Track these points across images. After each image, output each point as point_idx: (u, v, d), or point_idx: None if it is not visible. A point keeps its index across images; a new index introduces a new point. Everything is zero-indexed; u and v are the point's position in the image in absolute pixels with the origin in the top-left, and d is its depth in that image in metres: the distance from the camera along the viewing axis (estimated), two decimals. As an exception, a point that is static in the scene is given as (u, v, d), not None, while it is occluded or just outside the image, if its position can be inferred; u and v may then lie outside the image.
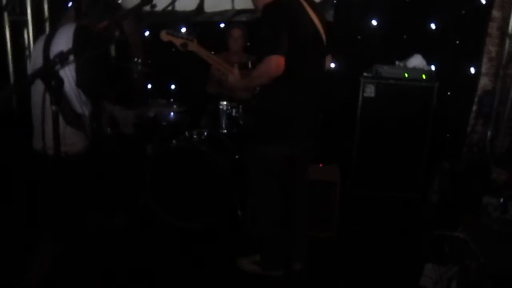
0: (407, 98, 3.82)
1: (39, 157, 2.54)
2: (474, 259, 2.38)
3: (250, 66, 3.51)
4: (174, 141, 3.34)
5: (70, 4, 4.56)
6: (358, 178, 4.01)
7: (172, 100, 3.80)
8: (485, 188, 3.56)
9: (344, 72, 4.26)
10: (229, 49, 3.86)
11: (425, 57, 3.91)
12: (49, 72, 1.45)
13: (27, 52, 4.48)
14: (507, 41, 3.96)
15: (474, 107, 4.24)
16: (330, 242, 3.14)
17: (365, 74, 3.91)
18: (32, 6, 4.28)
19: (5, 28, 4.31)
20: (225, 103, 3.47)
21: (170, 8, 4.38)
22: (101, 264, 2.68)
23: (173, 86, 4.62)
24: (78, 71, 2.41)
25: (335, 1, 4.13)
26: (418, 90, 3.81)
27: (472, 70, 4.12)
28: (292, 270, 2.68)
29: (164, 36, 2.59)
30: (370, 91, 3.85)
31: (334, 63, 4.30)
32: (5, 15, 4.27)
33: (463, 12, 3.97)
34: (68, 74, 2.40)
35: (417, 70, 3.81)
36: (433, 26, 4.08)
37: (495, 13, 4.01)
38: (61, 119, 2.43)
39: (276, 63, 2.22)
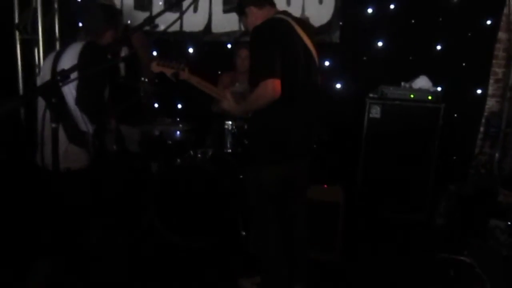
0: (413, 119, 3.80)
1: (41, 171, 2.57)
2: (479, 285, 2.34)
3: (237, 85, 3.55)
4: (178, 160, 3.35)
5: (80, 24, 4.67)
6: (363, 199, 3.97)
7: (177, 119, 3.84)
8: (492, 211, 3.52)
9: (349, 93, 4.27)
10: (236, 68, 3.90)
11: (431, 78, 3.90)
12: (50, 89, 1.46)
13: (37, 70, 4.56)
14: (514, 63, 3.96)
15: (481, 129, 4.22)
16: (333, 264, 3.10)
17: (370, 95, 3.91)
18: (43, 25, 4.36)
19: (16, 46, 4.40)
20: (230, 122, 3.48)
21: (178, 28, 4.49)
22: (100, 281, 2.66)
23: (179, 105, 4.66)
24: (78, 90, 2.42)
25: (341, 23, 4.16)
26: (424, 111, 3.79)
27: (479, 91, 4.11)
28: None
29: (155, 67, 2.60)
30: (375, 112, 3.85)
31: (340, 83, 4.32)
32: (17, 34, 4.36)
33: (469, 34, 3.96)
34: (72, 91, 2.43)
35: (423, 91, 3.80)
36: (439, 47, 4.08)
37: (501, 34, 4.03)
38: (64, 135, 2.48)
39: (272, 87, 2.19)
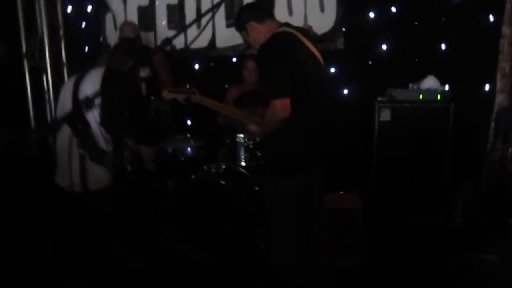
0: (423, 120, 3.80)
1: (64, 193, 2.65)
2: (505, 283, 2.32)
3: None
4: (193, 176, 3.36)
5: (86, 48, 4.75)
6: (378, 203, 3.94)
7: (188, 135, 3.85)
8: (510, 207, 3.49)
9: (357, 98, 4.28)
10: (244, 81, 3.93)
11: (438, 78, 3.90)
12: (75, 117, 1.50)
13: (46, 96, 4.63)
14: (520, 57, 3.95)
15: (492, 125, 4.20)
16: (354, 271, 3.08)
17: (379, 98, 3.91)
18: (50, 52, 4.43)
19: (25, 74, 4.46)
20: (242, 135, 3.50)
21: (183, 45, 4.54)
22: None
23: (188, 122, 4.69)
24: (102, 112, 2.51)
25: (344, 30, 4.18)
26: (434, 111, 3.79)
27: (487, 87, 4.10)
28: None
29: (166, 95, 2.64)
30: (385, 115, 3.85)
31: (347, 89, 4.34)
32: (25, 61, 4.43)
33: (473, 31, 3.97)
34: (94, 112, 2.52)
35: (431, 92, 3.81)
36: (443, 47, 4.09)
37: (505, 29, 4.01)
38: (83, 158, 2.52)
39: (281, 106, 2.22)
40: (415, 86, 3.90)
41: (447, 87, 3.87)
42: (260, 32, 2.43)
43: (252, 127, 2.55)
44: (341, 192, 3.42)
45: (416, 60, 4.17)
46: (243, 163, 3.55)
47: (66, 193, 2.66)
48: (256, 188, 3.51)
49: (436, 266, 3.10)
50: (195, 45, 4.53)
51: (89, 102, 1.48)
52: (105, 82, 2.53)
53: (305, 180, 2.44)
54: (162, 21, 4.50)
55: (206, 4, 4.40)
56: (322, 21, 4.21)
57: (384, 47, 4.20)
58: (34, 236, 3.52)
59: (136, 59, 2.83)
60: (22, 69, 4.41)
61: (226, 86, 4.24)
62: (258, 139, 3.35)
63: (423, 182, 3.87)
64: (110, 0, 4.56)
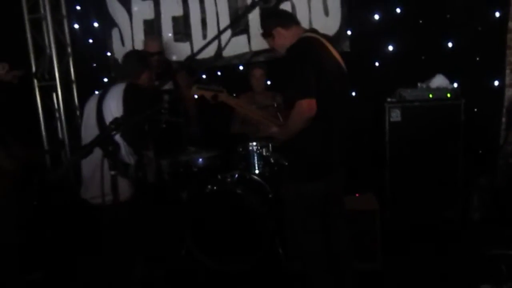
0: (434, 119, 3.79)
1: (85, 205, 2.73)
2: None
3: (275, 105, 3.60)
4: (209, 186, 3.37)
5: (94, 64, 4.80)
6: (394, 203, 3.93)
7: (197, 145, 3.85)
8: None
9: (366, 100, 4.28)
10: (252, 89, 3.95)
11: (446, 75, 3.90)
12: (106, 139, 1.53)
13: (57, 114, 4.67)
14: (528, 51, 3.96)
15: (503, 119, 4.19)
16: (377, 273, 3.08)
17: (389, 99, 3.91)
18: (59, 71, 4.48)
19: (36, 93, 4.51)
20: (254, 143, 3.51)
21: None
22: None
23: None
24: (124, 124, 2.55)
25: (349, 32, 4.20)
26: (445, 109, 3.78)
27: (496, 83, 4.10)
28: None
29: (195, 91, 2.67)
30: (396, 115, 3.84)
31: (355, 91, 4.34)
32: (35, 81, 4.48)
33: (479, 28, 3.98)
34: None
35: (441, 90, 3.80)
36: (450, 44, 4.10)
37: (511, 24, 4.03)
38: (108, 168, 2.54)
39: (308, 106, 2.25)
40: (424, 85, 3.90)
41: (456, 85, 3.87)
42: (286, 37, 2.48)
43: (275, 129, 2.57)
44: (357, 194, 3.41)
45: (423, 58, 4.17)
46: (257, 171, 3.56)
47: (89, 205, 2.71)
48: (270, 195, 3.52)
49: (461, 263, 3.09)
50: (201, 56, 4.54)
51: (118, 124, 1.51)
52: (126, 96, 2.62)
53: (327, 184, 2.46)
54: (168, 33, 4.53)
55: (211, 15, 4.43)
56: (327, 24, 4.22)
57: (390, 47, 4.21)
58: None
59: (147, 67, 2.89)
60: (32, 89, 4.46)
61: (234, 94, 4.26)
62: (276, 143, 3.35)
63: (438, 180, 3.85)
64: (116, 16, 4.60)
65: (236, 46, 4.47)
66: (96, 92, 2.98)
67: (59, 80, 4.49)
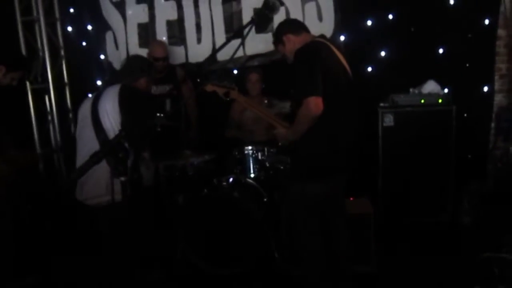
0: (426, 124, 3.87)
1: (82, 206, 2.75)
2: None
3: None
4: (205, 190, 3.39)
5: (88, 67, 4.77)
6: (387, 208, 4.00)
7: (196, 149, 3.87)
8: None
9: (359, 104, 4.32)
10: (248, 93, 3.98)
11: (438, 81, 3.98)
12: (117, 145, 1.54)
13: (49, 117, 4.64)
14: (516, 58, 4.06)
15: (493, 124, 4.29)
16: (371, 276, 3.12)
17: (382, 104, 3.98)
18: (52, 73, 4.45)
19: (28, 96, 4.48)
20: (250, 147, 3.54)
21: (184, 60, 4.58)
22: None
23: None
24: (124, 124, 2.61)
25: (342, 38, 4.25)
26: (437, 115, 3.86)
27: (486, 88, 4.19)
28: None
29: (209, 87, 2.73)
30: (389, 120, 3.91)
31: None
32: (28, 84, 4.44)
33: (469, 35, 4.06)
34: (114, 128, 2.63)
35: (432, 95, 3.88)
36: (441, 51, 4.17)
37: (500, 32, 4.14)
38: (106, 170, 2.53)
39: (314, 104, 2.32)
40: (416, 91, 3.97)
41: (447, 90, 3.95)
42: (295, 44, 2.57)
43: (282, 130, 2.61)
44: (351, 198, 3.45)
45: (415, 64, 4.23)
46: (252, 175, 3.59)
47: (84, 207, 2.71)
48: (265, 199, 3.55)
49: (454, 266, 3.14)
50: (195, 59, 4.57)
51: (128, 131, 1.55)
52: (122, 97, 2.65)
53: (330, 186, 2.51)
54: (162, 37, 4.53)
55: (205, 19, 4.44)
56: (321, 30, 4.22)
57: (383, 53, 4.27)
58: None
59: (147, 75, 2.93)
60: (25, 92, 4.43)
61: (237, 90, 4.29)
62: (284, 143, 3.39)
63: (429, 184, 3.93)
64: (110, 19, 4.58)
65: (231, 50, 4.45)
66: (90, 95, 2.99)
67: (52, 83, 4.46)
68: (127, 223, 2.58)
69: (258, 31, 4.19)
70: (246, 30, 2.37)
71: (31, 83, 4.43)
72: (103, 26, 4.63)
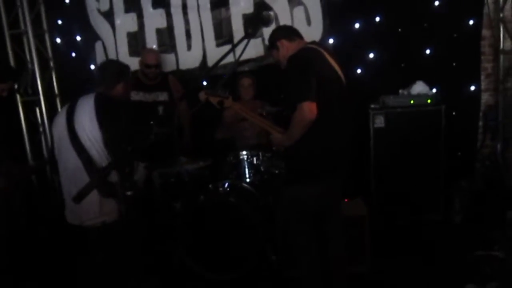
0: (416, 124, 3.95)
1: (74, 230, 2.62)
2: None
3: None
4: (201, 196, 3.40)
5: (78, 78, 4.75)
6: (380, 208, 4.06)
7: (189, 156, 3.88)
8: (506, 201, 3.65)
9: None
10: (240, 98, 4.00)
11: (425, 81, 4.05)
12: (122, 161, 1.54)
13: (41, 129, 4.62)
14: (501, 57, 4.15)
15: (480, 123, 4.37)
16: (366, 277, 3.16)
17: (372, 106, 4.04)
18: (42, 85, 4.44)
19: (19, 109, 4.46)
20: (244, 152, 3.57)
21: (174, 67, 4.59)
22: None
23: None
24: (105, 141, 2.49)
25: (331, 41, 4.31)
26: (426, 115, 3.94)
27: (473, 88, 4.28)
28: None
29: (202, 96, 2.73)
30: (380, 121, 3.97)
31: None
32: (18, 97, 4.43)
33: (455, 35, 4.15)
34: (95, 145, 2.50)
35: (422, 96, 3.95)
36: (428, 51, 4.25)
37: (485, 32, 4.23)
38: (95, 191, 2.50)
39: (308, 109, 2.35)
40: (406, 92, 4.04)
41: (435, 90, 4.03)
42: (289, 49, 2.61)
43: (277, 135, 2.64)
44: (346, 200, 3.49)
45: (403, 65, 4.32)
46: (247, 179, 3.62)
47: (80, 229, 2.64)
48: (261, 203, 3.57)
49: (446, 264, 3.20)
50: (186, 66, 4.59)
51: (136, 147, 1.53)
52: (98, 109, 2.50)
53: (323, 190, 2.54)
54: (152, 45, 4.54)
55: (195, 26, 4.46)
56: (310, 34, 4.28)
57: (371, 55, 4.33)
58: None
59: (124, 80, 2.76)
60: (15, 104, 4.41)
61: (230, 98, 4.30)
62: (279, 149, 3.41)
63: (421, 183, 4.01)
64: (99, 29, 4.58)
65: (221, 55, 4.50)
66: (63, 107, 2.78)
67: (43, 95, 4.45)
68: (124, 240, 2.57)
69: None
70: (240, 40, 2.37)
71: (21, 96, 4.42)
72: (92, 36, 4.62)
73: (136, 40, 4.57)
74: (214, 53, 4.51)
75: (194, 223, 3.34)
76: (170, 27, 4.52)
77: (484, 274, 2.64)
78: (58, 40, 4.70)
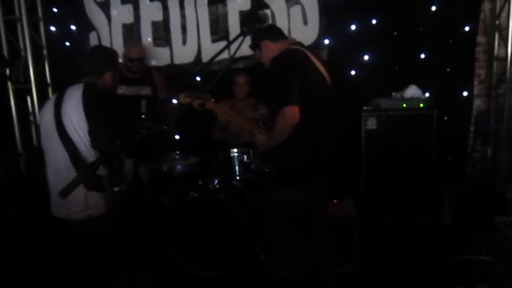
0: (408, 127, 3.97)
1: (60, 223, 2.56)
2: (501, 280, 2.46)
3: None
4: (191, 193, 3.39)
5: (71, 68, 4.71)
6: (370, 209, 4.07)
7: (179, 151, 3.86)
8: (495, 206, 3.68)
9: (342, 108, 4.38)
10: (235, 95, 4.00)
11: (419, 85, 4.07)
12: (111, 156, 1.52)
13: (31, 118, 4.58)
14: (495, 64, 4.18)
15: (472, 128, 4.41)
16: (355, 277, 3.17)
17: (365, 107, 4.05)
18: (35, 74, 4.40)
19: (10, 96, 4.41)
20: (235, 150, 3.56)
21: (169, 62, 4.57)
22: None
23: (177, 137, 4.71)
24: (93, 133, 2.42)
25: (327, 42, 4.31)
26: (418, 118, 3.96)
27: (465, 93, 4.30)
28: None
29: (183, 99, 2.67)
30: (372, 123, 3.99)
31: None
32: (9, 84, 4.38)
33: (450, 40, 4.16)
34: (83, 138, 2.43)
35: (414, 100, 3.97)
36: (422, 56, 4.27)
37: (480, 38, 4.26)
38: (81, 186, 2.47)
39: (291, 113, 2.33)
40: (399, 95, 4.06)
41: (428, 95, 4.04)
42: (272, 50, 2.57)
43: (261, 137, 2.62)
44: (335, 201, 3.51)
45: (397, 68, 4.33)
46: (237, 177, 3.61)
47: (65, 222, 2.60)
48: (251, 201, 3.57)
49: (435, 266, 3.22)
50: (180, 61, 4.57)
51: (124, 143, 1.50)
52: (85, 101, 2.42)
53: (310, 192, 2.54)
54: (147, 38, 4.52)
55: (191, 21, 4.44)
56: (306, 34, 4.31)
57: (366, 57, 4.34)
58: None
59: (113, 67, 2.68)
60: (6, 92, 4.36)
61: (212, 100, 4.28)
62: (262, 151, 3.41)
63: (411, 185, 4.03)
64: (94, 19, 4.54)
65: (216, 51, 4.48)
66: (51, 97, 2.70)
67: (34, 83, 4.40)
68: (110, 234, 2.54)
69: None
70: (235, 38, 2.34)
71: (13, 84, 4.37)
72: (87, 26, 4.58)
73: (131, 32, 4.54)
74: (209, 48, 4.50)
75: (183, 220, 3.33)
76: (166, 21, 4.49)
77: (471, 278, 2.66)
78: (53, 29, 4.65)
